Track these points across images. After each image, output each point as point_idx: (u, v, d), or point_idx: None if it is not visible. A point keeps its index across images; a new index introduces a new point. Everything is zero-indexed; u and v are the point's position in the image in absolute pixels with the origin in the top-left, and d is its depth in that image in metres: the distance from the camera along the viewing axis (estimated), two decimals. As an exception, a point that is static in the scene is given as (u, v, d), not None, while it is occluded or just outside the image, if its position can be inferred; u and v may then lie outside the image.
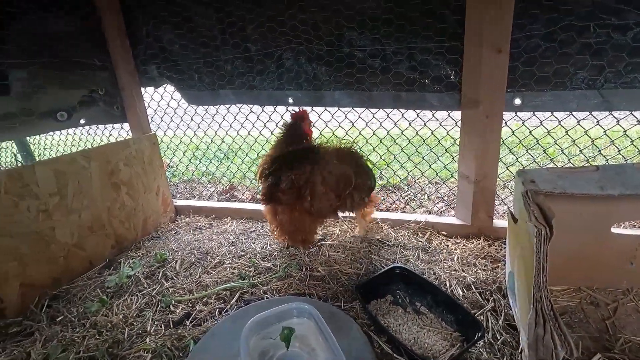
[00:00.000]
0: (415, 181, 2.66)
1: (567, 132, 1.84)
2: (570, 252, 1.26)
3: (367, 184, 1.74)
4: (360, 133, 2.32)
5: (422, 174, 2.36)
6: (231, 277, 1.65)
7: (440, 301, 1.32)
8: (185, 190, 2.83)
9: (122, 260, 1.87)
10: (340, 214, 1.87)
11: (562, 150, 1.86)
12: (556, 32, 1.47)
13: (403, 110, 2.00)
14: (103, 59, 2.06)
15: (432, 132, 2.08)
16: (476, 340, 1.10)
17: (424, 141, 2.18)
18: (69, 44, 1.92)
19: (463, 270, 1.55)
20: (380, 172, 2.68)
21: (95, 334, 1.34)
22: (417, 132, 2.11)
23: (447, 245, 1.77)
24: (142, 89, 2.31)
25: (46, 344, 1.31)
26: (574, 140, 1.84)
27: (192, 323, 1.39)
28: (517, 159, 2.03)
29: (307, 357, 1.01)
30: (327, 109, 2.14)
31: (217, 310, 1.45)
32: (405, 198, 2.40)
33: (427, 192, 2.44)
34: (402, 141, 2.34)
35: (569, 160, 1.90)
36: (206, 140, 2.61)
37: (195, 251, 1.90)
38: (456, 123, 1.81)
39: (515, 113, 1.77)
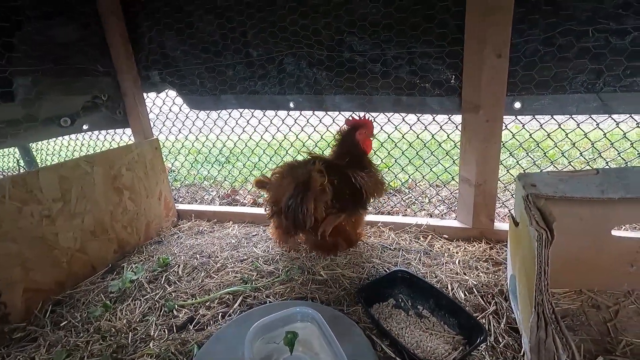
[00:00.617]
0: (416, 184, 2.67)
1: (567, 135, 1.85)
2: (571, 254, 1.27)
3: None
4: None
5: (423, 177, 2.37)
6: (234, 281, 1.66)
7: (443, 305, 1.33)
8: (187, 195, 2.84)
9: (125, 265, 1.88)
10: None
11: (562, 153, 1.87)
12: (555, 36, 1.49)
13: (404, 114, 2.01)
14: (106, 65, 2.08)
15: (432, 136, 2.09)
16: (478, 344, 1.10)
17: (424, 144, 2.19)
18: (72, 51, 1.93)
19: (465, 274, 1.56)
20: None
21: (99, 339, 1.35)
22: (417, 136, 2.12)
23: (449, 249, 1.78)
24: (145, 95, 2.33)
25: (50, 350, 1.32)
26: (574, 143, 1.85)
27: (196, 327, 1.39)
28: (517, 161, 2.04)
29: (310, 361, 1.01)
30: (329, 113, 2.16)
31: (220, 314, 1.45)
32: (407, 201, 2.41)
33: (429, 196, 2.45)
34: (403, 144, 2.35)
35: (569, 162, 1.91)
36: (208, 145, 2.62)
37: (197, 255, 1.91)
38: (457, 126, 1.83)
39: (516, 117, 1.78)
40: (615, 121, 1.69)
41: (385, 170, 2.74)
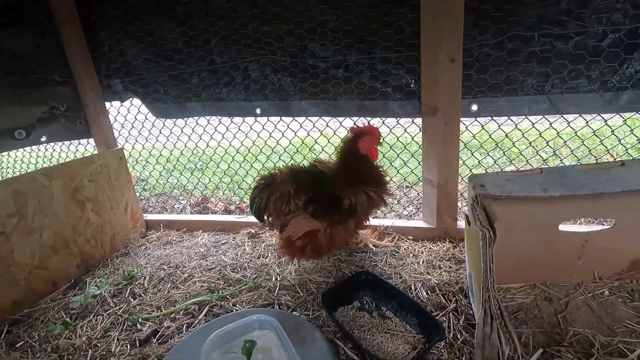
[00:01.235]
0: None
1: (523, 134, 1.93)
2: (524, 250, 1.32)
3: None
4: (329, 141, 2.35)
5: (390, 179, 2.41)
6: (200, 291, 1.64)
7: (405, 305, 1.36)
8: (156, 204, 2.79)
9: (89, 280, 1.83)
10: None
11: (520, 152, 1.95)
12: (504, 41, 1.55)
13: (369, 118, 2.05)
14: (64, 74, 2.03)
15: (397, 139, 2.14)
16: (434, 343, 1.13)
17: (390, 147, 2.23)
18: (28, 61, 1.88)
19: (428, 273, 1.60)
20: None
21: (57, 359, 1.30)
22: (383, 139, 2.15)
23: (415, 249, 1.82)
24: (108, 104, 2.28)
25: (4, 372, 1.27)
26: (530, 142, 1.93)
27: (159, 341, 1.37)
28: (479, 161, 2.11)
29: (269, 368, 1.01)
30: (296, 118, 2.17)
31: (185, 325, 1.44)
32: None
33: (397, 197, 2.49)
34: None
35: (527, 161, 1.99)
36: (176, 153, 2.59)
37: (165, 266, 1.88)
38: (420, 129, 1.87)
39: (475, 118, 1.84)
40: (566, 120, 1.77)
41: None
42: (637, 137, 1.72)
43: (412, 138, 2.06)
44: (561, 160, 1.93)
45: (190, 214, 2.60)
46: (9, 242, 1.56)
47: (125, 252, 2.11)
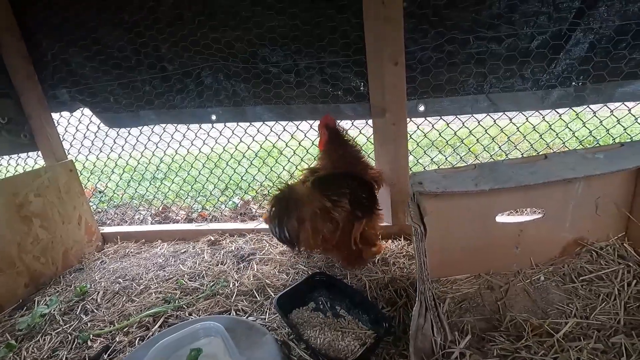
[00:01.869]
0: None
1: (470, 132, 2.02)
2: (466, 242, 1.39)
3: None
4: (287, 145, 2.37)
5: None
6: (156, 302, 1.61)
7: (357, 302, 1.39)
8: (115, 216, 2.71)
9: (38, 299, 1.75)
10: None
11: (469, 149, 2.04)
12: (443, 44, 1.63)
13: (324, 121, 2.08)
14: (4, 86, 1.94)
15: (353, 140, 2.18)
16: (381, 338, 1.17)
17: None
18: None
19: (382, 272, 1.64)
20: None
21: (-2, 383, 1.25)
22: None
23: (372, 247, 1.86)
24: (55, 114, 2.19)
25: (-62, 403, 1.20)
26: (477, 139, 2.02)
27: (110, 356, 1.34)
28: (432, 159, 2.19)
29: (217, 375, 1.02)
30: (253, 123, 2.17)
31: (139, 339, 1.41)
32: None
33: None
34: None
35: (475, 157, 2.09)
36: (132, 163, 2.52)
37: (120, 279, 1.83)
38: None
39: (425, 118, 1.92)
40: (524, 115, 1.85)
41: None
42: (571, 130, 1.85)
43: (367, 139, 2.11)
44: (522, 153, 2.01)
45: (151, 224, 2.55)
46: (-57, 265, 1.48)
47: (79, 267, 2.04)
